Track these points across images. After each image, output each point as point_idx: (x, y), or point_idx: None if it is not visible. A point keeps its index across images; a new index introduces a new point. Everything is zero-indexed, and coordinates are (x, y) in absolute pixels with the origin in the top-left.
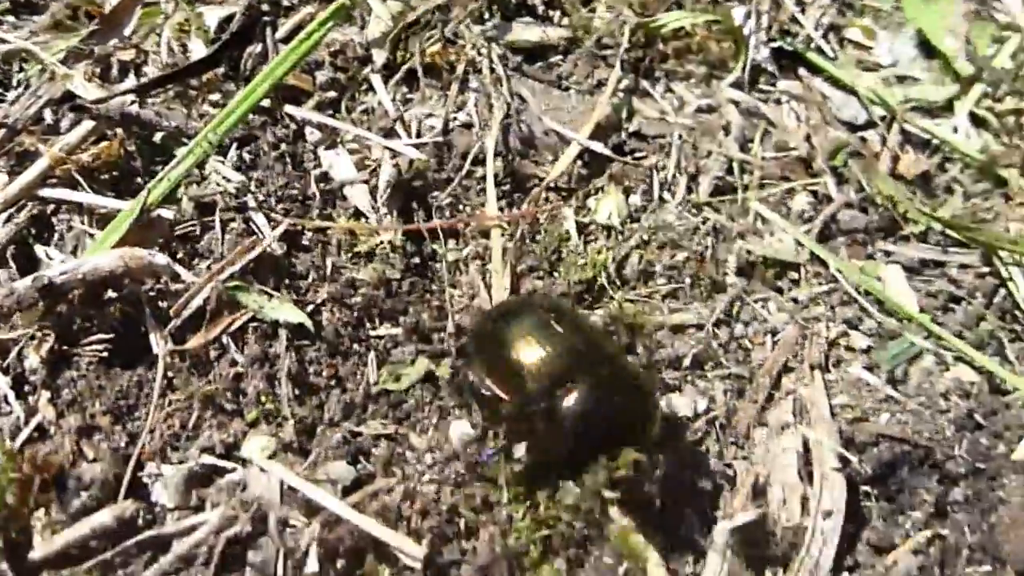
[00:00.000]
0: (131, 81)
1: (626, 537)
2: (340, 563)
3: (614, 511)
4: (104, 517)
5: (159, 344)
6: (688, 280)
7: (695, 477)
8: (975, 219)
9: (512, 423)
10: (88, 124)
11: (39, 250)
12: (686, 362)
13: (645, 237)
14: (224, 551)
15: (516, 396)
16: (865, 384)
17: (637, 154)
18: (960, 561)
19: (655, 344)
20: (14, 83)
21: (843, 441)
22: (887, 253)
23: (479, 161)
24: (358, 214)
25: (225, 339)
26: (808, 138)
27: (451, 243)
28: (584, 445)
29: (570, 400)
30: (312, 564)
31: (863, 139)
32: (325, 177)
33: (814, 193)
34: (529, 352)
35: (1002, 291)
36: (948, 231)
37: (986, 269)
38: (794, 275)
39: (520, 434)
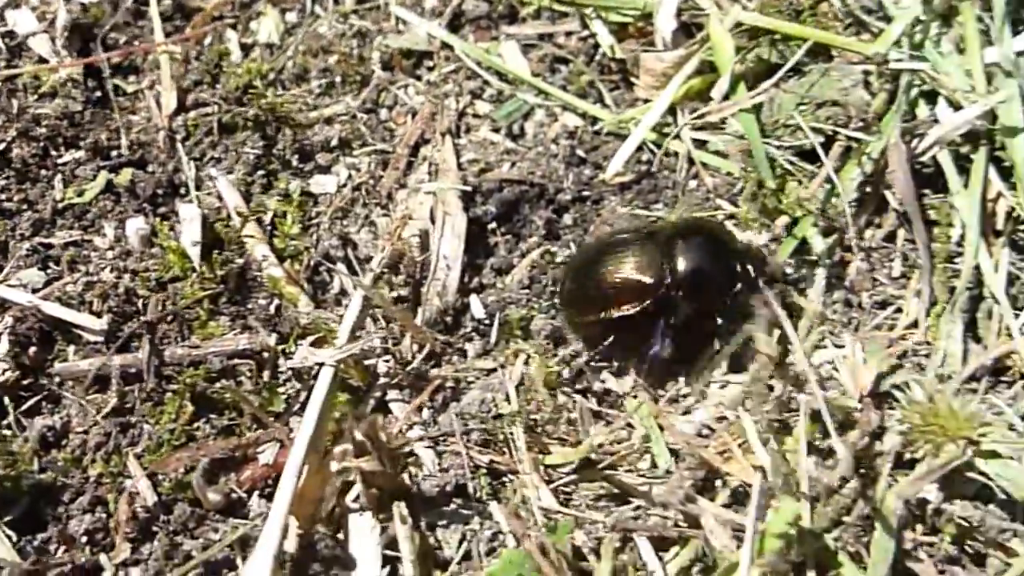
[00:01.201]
0: None
1: (278, 283)
2: (32, 349)
3: (275, 270)
4: None
5: None
6: (339, 78)
7: (344, 230)
8: None
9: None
10: None
11: None
12: (334, 143)
13: (301, 47)
14: None
15: (637, 302)
16: (490, 143)
17: None
18: None
19: (310, 133)
20: None
21: (471, 189)
22: (508, 35)
23: (147, 1)
24: (42, 61)
25: None
26: None
27: (131, 78)
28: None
29: (684, 270)
30: (3, 348)
31: None
32: (11, 34)
33: None
34: (628, 264)
35: (601, 50)
36: (555, 6)
37: (586, 33)
38: (429, 62)
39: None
